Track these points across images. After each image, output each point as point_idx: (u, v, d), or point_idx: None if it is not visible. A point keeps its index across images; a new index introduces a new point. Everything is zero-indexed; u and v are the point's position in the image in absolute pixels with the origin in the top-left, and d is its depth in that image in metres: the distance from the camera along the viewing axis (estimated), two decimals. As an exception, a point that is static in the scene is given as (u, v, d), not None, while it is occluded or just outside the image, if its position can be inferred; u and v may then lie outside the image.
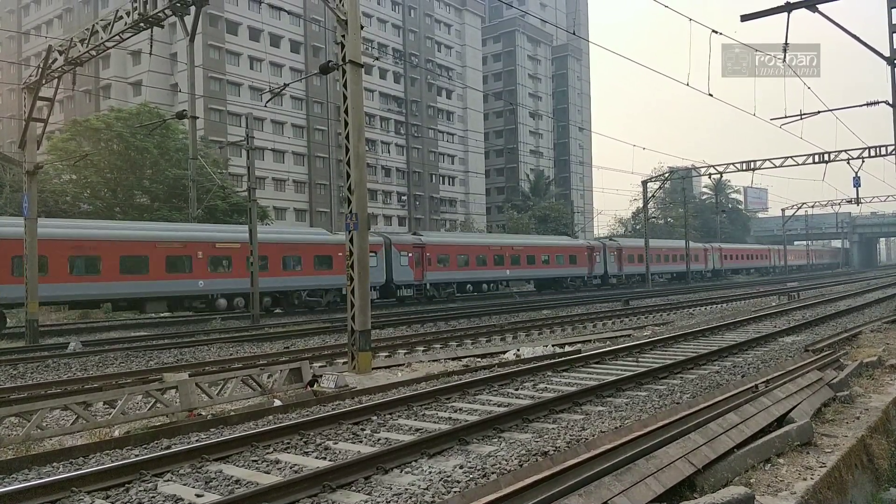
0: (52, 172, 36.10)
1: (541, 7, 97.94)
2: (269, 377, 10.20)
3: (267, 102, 31.22)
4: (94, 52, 17.75)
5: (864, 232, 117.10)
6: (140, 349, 16.59)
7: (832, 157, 39.54)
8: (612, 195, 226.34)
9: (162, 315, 27.93)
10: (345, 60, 12.67)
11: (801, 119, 23.62)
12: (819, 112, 23.93)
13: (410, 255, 34.37)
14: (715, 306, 27.68)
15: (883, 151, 37.74)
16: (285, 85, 22.88)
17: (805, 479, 5.26)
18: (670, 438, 5.47)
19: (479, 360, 13.67)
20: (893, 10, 18.53)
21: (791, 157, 41.13)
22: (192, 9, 14.87)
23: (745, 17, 16.14)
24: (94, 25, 17.35)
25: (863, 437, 6.53)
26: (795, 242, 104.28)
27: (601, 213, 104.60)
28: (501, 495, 4.26)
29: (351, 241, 12.82)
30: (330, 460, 6.33)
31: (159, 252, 25.49)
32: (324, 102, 63.63)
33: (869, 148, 38.47)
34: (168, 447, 6.95)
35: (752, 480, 5.25)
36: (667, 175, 60.53)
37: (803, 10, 15.77)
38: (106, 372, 13.25)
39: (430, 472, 5.81)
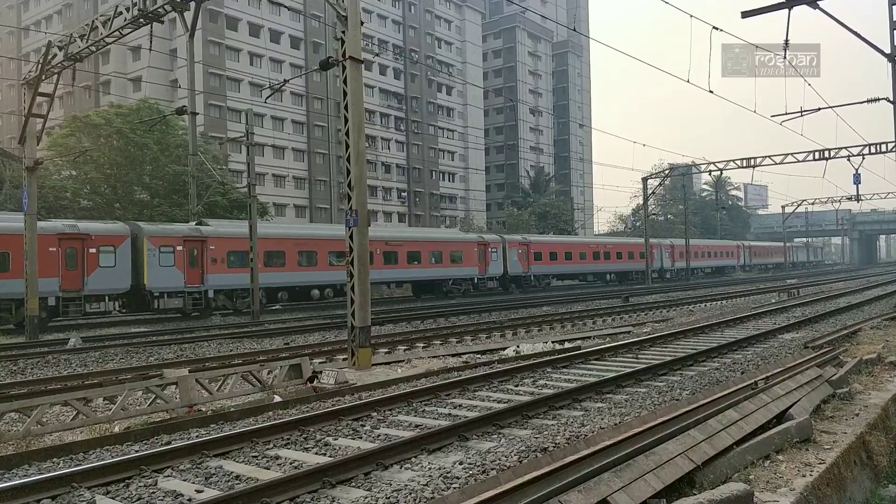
0: (52, 168, 36.03)
1: (541, 3, 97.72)
2: (268, 373, 10.21)
3: (267, 98, 31.30)
4: (93, 48, 17.71)
5: (865, 229, 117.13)
6: (140, 345, 16.61)
7: (832, 154, 39.52)
8: (613, 192, 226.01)
9: (162, 312, 28.03)
10: (345, 56, 12.65)
11: (802, 116, 23.63)
12: (819, 109, 23.92)
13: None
14: (715, 303, 27.71)
15: (883, 148, 37.75)
16: (285, 81, 22.91)
17: (804, 476, 5.27)
18: (670, 435, 5.48)
19: (478, 356, 13.68)
20: (894, 7, 18.50)
21: (791, 154, 41.13)
22: (192, 5, 14.87)
23: (745, 14, 16.09)
24: (93, 21, 17.32)
25: (862, 434, 6.54)
26: (794, 237, 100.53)
27: (601, 209, 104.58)
28: (501, 491, 4.27)
29: (351, 237, 12.82)
30: (330, 456, 6.33)
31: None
32: (324, 99, 63.55)
33: (869, 145, 38.46)
34: (168, 443, 6.96)
35: (751, 477, 5.26)
36: (667, 172, 60.51)
37: (804, 8, 15.74)
38: (106, 368, 13.25)
39: (430, 469, 5.81)
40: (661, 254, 56.29)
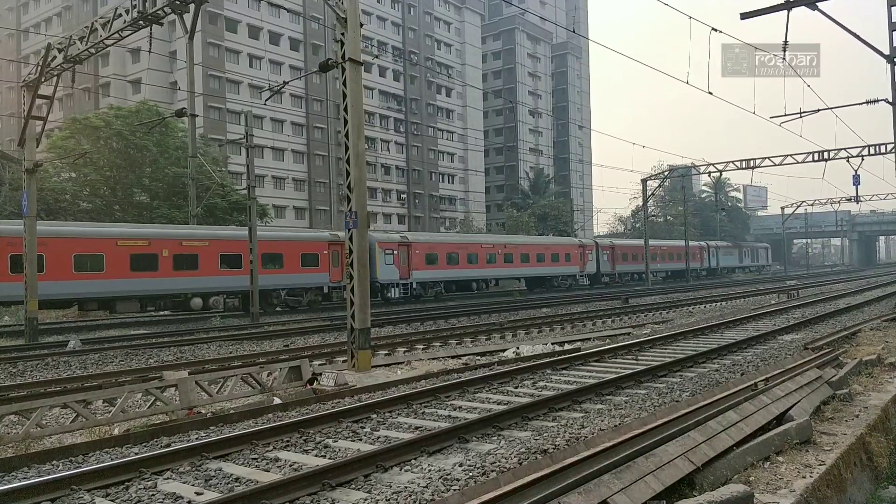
0: (52, 171, 36.05)
1: (540, 5, 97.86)
2: (268, 375, 10.20)
3: (266, 100, 31.24)
4: (93, 50, 17.72)
5: (864, 230, 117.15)
6: (139, 347, 16.59)
7: (832, 155, 39.55)
8: (612, 193, 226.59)
9: (162, 313, 28.09)
10: (344, 58, 12.66)
11: (801, 117, 23.61)
12: (819, 110, 23.92)
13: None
14: (714, 304, 27.73)
15: (882, 150, 37.77)
16: (285, 83, 22.91)
17: (804, 477, 5.27)
18: (670, 436, 5.48)
19: (478, 358, 13.68)
20: (893, 8, 18.53)
21: (791, 155, 41.14)
22: (192, 6, 14.88)
23: (744, 15, 16.10)
24: (93, 23, 17.32)
25: (862, 436, 6.54)
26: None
27: (601, 211, 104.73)
28: (501, 493, 4.27)
29: (350, 239, 12.82)
30: (329, 458, 6.33)
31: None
32: (323, 100, 63.57)
33: (868, 146, 38.49)
34: (168, 445, 6.95)
35: (751, 478, 5.26)
36: (666, 173, 60.54)
37: (804, 9, 15.75)
38: (105, 370, 13.25)
39: (430, 471, 5.81)
40: (401, 257, 34.17)
